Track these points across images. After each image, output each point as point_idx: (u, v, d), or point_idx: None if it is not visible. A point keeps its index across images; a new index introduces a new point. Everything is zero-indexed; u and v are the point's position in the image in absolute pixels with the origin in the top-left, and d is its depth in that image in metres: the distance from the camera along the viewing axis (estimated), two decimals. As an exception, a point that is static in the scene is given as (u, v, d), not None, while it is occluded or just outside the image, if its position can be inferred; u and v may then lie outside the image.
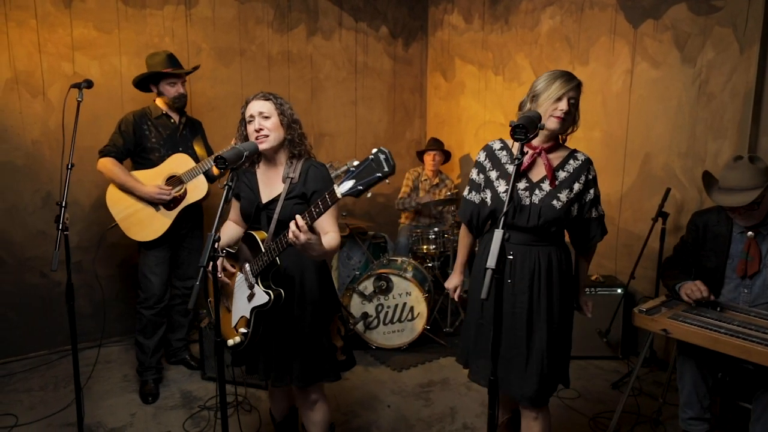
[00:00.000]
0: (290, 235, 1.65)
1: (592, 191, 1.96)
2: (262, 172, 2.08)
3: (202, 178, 2.91)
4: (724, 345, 1.99)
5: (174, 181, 2.92)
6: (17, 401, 3.00)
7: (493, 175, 1.97)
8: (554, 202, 1.87)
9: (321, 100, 4.62)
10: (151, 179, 2.89)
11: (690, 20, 3.16)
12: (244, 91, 4.16)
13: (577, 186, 1.91)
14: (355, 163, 1.53)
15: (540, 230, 1.90)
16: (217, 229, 1.71)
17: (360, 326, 3.69)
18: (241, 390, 3.04)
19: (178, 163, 2.92)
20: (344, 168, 3.80)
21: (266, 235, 1.96)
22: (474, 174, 2.06)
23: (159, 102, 3.04)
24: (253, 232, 1.96)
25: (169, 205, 2.89)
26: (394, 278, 3.64)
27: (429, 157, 4.50)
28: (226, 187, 1.78)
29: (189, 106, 3.91)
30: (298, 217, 1.65)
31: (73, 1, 3.44)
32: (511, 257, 1.90)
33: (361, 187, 1.49)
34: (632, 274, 3.25)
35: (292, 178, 1.98)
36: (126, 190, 2.86)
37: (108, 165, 2.85)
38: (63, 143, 2.41)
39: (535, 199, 1.89)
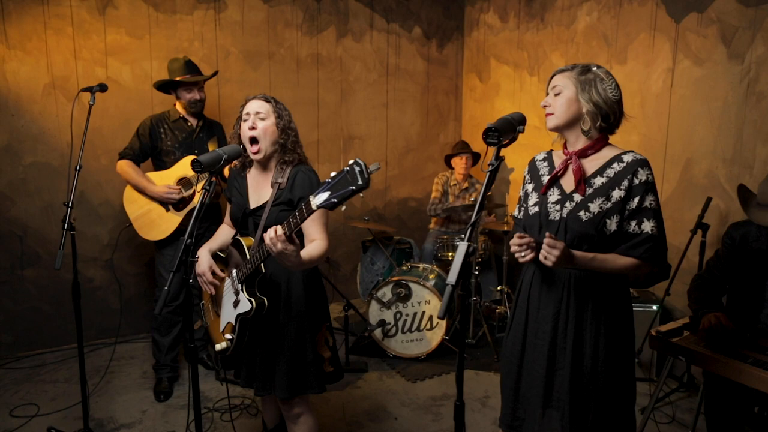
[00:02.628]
0: (267, 241, 1.60)
1: (636, 199, 1.56)
2: (252, 176, 2.05)
3: (211, 180, 2.94)
4: (750, 377, 1.76)
5: (184, 183, 2.96)
6: (43, 391, 3.13)
7: (530, 187, 1.80)
8: (581, 213, 1.59)
9: (350, 102, 4.58)
10: (164, 181, 2.95)
11: (738, 12, 2.87)
12: (272, 94, 4.10)
13: (616, 193, 1.57)
14: (332, 173, 1.47)
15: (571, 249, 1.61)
16: (191, 234, 1.68)
17: (378, 333, 3.61)
18: (251, 393, 3.04)
19: (189, 165, 2.97)
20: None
21: (253, 241, 1.93)
22: (521, 190, 1.90)
23: (178, 106, 3.10)
24: (240, 238, 1.93)
25: (179, 206, 2.94)
26: (413, 286, 3.53)
27: (461, 161, 4.34)
28: (203, 191, 1.75)
29: (217, 109, 4.00)
30: (277, 227, 1.60)
31: (106, 9, 3.58)
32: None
33: (335, 200, 1.43)
34: (667, 290, 2.98)
35: (279, 184, 1.94)
36: (139, 190, 2.95)
37: (124, 167, 2.96)
38: (71, 146, 2.47)
39: (565, 212, 1.64)
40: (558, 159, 1.77)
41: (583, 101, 1.61)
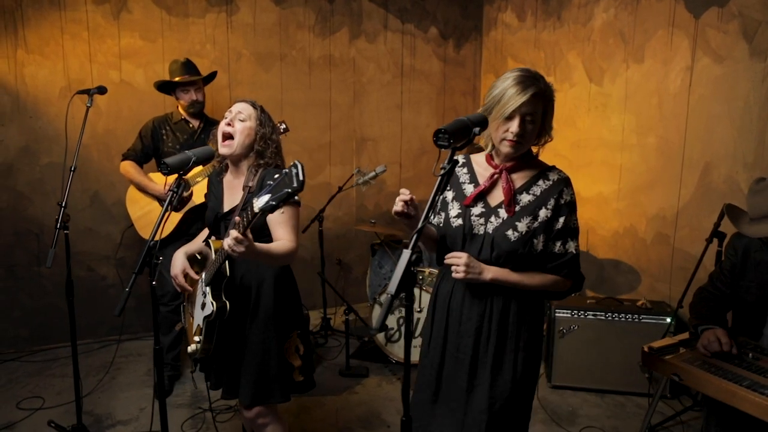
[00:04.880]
0: (230, 246, 1.57)
1: (562, 220, 1.56)
2: (227, 180, 2.04)
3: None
4: (743, 401, 1.62)
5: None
6: (50, 385, 3.23)
7: (449, 195, 1.70)
8: (509, 232, 1.54)
9: (363, 104, 4.54)
10: (162, 181, 2.99)
11: (761, 6, 2.67)
12: (284, 96, 4.20)
13: (543, 213, 1.55)
14: (276, 175, 1.44)
15: (495, 266, 1.58)
16: (154, 236, 1.68)
17: (381, 338, 3.55)
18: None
19: None
20: (372, 174, 3.70)
21: (221, 244, 1.91)
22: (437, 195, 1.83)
23: (180, 107, 3.14)
24: (210, 241, 1.93)
25: (177, 206, 2.97)
26: (416, 291, 3.46)
27: None
28: (170, 193, 1.75)
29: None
30: (232, 231, 1.57)
31: (121, 13, 3.66)
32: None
33: (273, 203, 1.40)
34: (680, 302, 2.80)
35: (250, 187, 1.91)
36: (141, 189, 3.02)
37: (126, 167, 3.03)
38: (66, 147, 2.52)
39: (490, 227, 1.58)
40: (481, 169, 1.69)
41: (546, 123, 1.56)
